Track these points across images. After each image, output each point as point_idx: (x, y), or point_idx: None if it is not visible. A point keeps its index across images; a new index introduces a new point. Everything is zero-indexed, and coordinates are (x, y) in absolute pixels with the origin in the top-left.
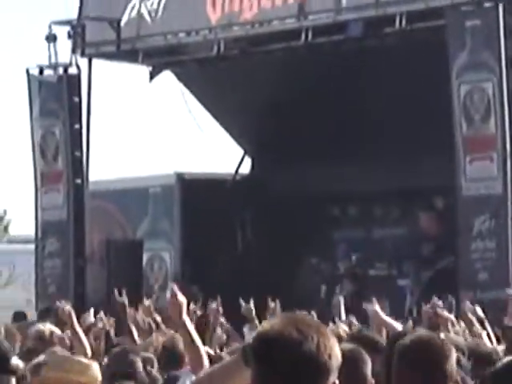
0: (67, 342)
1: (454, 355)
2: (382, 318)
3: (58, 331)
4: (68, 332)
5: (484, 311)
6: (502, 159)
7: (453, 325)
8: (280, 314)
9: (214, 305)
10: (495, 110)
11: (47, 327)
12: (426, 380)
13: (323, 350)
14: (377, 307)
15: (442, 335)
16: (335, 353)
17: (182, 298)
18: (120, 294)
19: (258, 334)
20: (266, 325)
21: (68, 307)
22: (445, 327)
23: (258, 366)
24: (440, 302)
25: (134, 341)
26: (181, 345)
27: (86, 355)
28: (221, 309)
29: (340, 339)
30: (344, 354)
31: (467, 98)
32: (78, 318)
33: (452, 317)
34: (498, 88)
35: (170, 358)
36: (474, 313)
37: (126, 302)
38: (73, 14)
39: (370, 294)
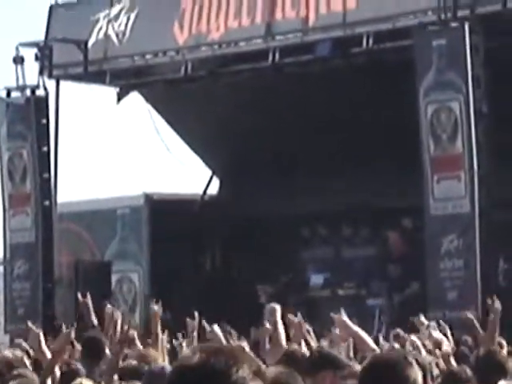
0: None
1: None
2: (350, 327)
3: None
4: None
5: (451, 330)
6: (469, 178)
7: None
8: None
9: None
10: (462, 129)
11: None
12: None
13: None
14: (344, 316)
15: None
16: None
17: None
18: (84, 296)
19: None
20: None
21: (37, 331)
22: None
23: None
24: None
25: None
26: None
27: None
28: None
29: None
30: (276, 378)
31: (434, 117)
32: (46, 340)
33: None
34: (465, 107)
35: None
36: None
37: (90, 302)
38: (40, 36)
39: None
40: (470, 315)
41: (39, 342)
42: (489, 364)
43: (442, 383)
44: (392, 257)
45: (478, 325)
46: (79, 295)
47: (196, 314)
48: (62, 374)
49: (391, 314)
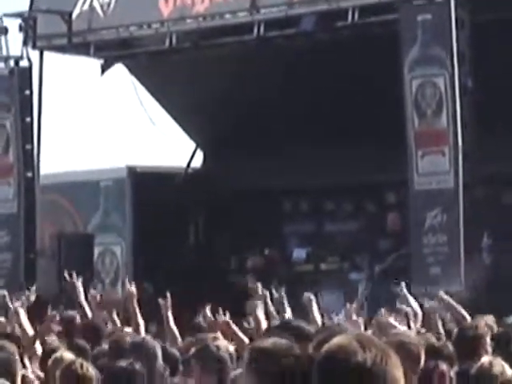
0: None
1: None
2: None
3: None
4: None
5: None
6: (453, 153)
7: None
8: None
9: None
10: (447, 105)
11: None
12: None
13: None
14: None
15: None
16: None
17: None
18: (71, 277)
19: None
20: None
21: (16, 305)
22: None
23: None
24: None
25: (86, 316)
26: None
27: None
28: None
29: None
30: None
31: (419, 92)
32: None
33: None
34: (450, 82)
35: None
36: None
37: (77, 282)
38: (24, 7)
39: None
40: (445, 296)
41: (19, 318)
42: (466, 339)
43: (425, 358)
44: (384, 232)
45: (454, 304)
46: (66, 275)
47: (168, 294)
48: (43, 351)
49: (372, 287)
